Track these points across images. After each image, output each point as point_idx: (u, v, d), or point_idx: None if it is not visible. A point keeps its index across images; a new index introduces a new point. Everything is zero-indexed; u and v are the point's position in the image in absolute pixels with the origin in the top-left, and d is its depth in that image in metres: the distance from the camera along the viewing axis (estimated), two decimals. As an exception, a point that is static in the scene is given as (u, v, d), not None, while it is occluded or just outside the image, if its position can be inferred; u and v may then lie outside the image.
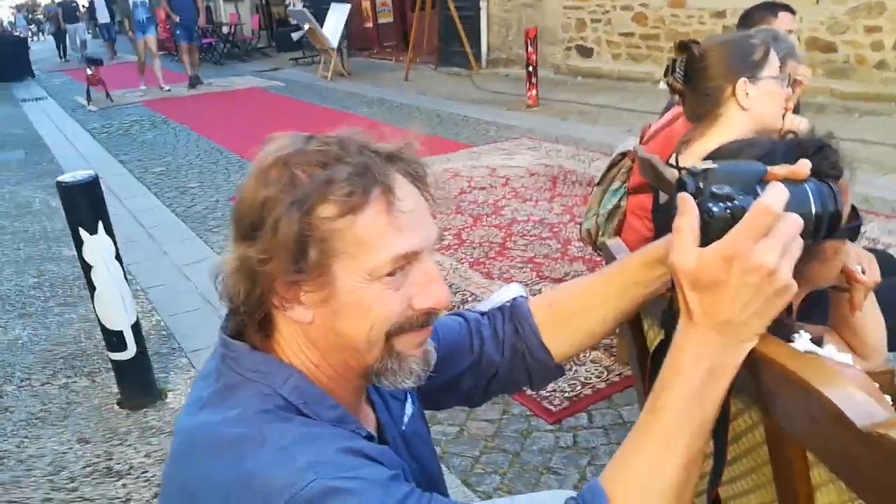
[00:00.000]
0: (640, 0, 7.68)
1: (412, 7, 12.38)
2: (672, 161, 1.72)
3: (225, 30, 14.74)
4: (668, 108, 2.82)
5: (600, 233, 2.38)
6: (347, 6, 10.85)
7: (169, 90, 10.04)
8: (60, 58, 17.15)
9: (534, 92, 7.18)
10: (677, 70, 1.71)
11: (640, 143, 2.36)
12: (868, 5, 5.79)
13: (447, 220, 4.00)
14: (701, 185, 0.73)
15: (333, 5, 11.09)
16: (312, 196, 0.71)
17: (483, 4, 9.78)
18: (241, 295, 0.74)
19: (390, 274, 0.73)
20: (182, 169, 5.77)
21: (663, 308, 0.93)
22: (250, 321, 0.76)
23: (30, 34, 23.43)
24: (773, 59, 1.62)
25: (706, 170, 0.73)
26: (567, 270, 3.21)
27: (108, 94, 9.68)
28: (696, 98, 1.70)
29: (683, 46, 1.70)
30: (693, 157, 1.63)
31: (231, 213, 0.76)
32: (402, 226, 0.74)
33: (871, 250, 2.15)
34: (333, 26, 10.58)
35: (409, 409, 0.95)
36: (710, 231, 0.69)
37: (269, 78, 11.26)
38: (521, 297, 1.04)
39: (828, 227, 0.74)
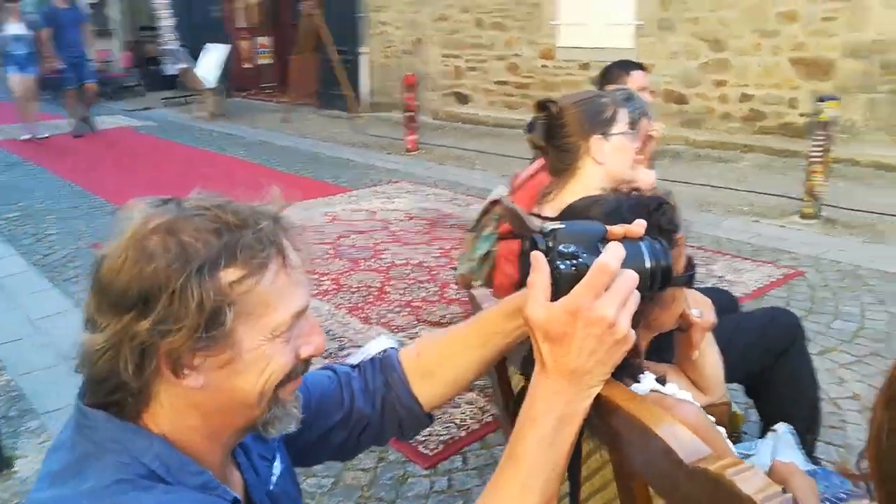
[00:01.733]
0: (513, 51, 8.06)
1: (292, 50, 12.40)
2: (534, 212, 1.81)
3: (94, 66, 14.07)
4: (536, 157, 2.97)
5: (474, 278, 2.44)
6: (226, 47, 10.67)
7: (46, 137, 8.55)
8: None
9: (413, 136, 7.32)
10: (538, 128, 1.81)
11: (510, 192, 2.46)
12: (716, 61, 6.37)
13: (325, 264, 3.97)
14: (550, 243, 0.77)
15: (209, 46, 10.87)
16: (216, 262, 0.71)
17: (364, 50, 9.91)
18: (129, 370, 0.70)
19: (288, 329, 0.76)
20: (40, 214, 5.39)
21: (524, 355, 0.97)
22: (128, 393, 0.73)
23: None
24: (623, 116, 1.75)
25: (554, 230, 0.78)
26: (444, 313, 3.26)
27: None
28: (556, 154, 1.80)
29: (542, 106, 1.81)
30: (554, 209, 1.72)
31: (96, 285, 0.72)
32: (296, 282, 0.77)
33: (710, 289, 2.34)
34: (210, 66, 10.36)
35: (277, 468, 0.94)
36: (559, 287, 0.74)
37: (141, 118, 10.81)
38: (392, 348, 1.06)
39: (662, 279, 0.81)
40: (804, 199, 4.29)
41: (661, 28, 6.68)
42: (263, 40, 12.88)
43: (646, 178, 1.93)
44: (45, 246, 4.59)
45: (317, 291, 3.56)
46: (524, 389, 0.93)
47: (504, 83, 8.26)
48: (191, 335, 0.70)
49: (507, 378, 1.23)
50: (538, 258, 0.77)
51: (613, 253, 0.73)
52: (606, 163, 1.76)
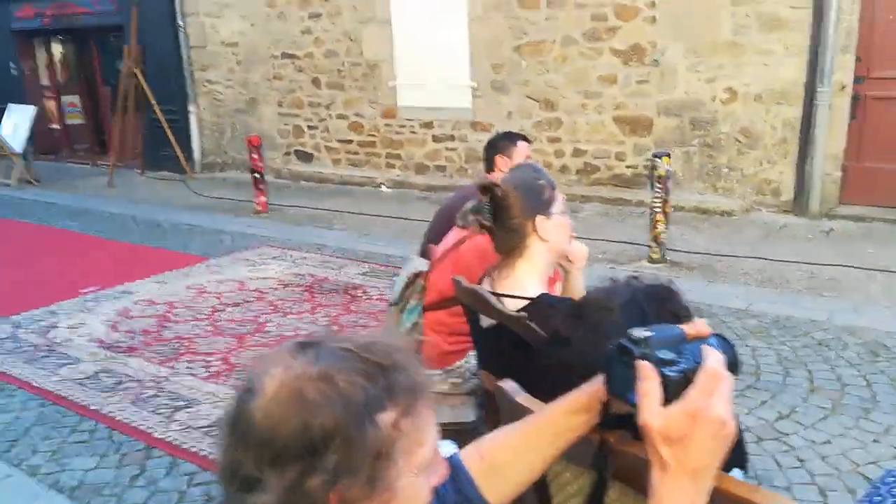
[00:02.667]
0: (354, 110, 8.20)
1: (112, 109, 11.62)
2: (487, 290, 1.89)
3: None
4: (439, 219, 3.07)
5: (402, 350, 2.48)
6: (32, 108, 9.76)
7: None
8: None
9: (262, 198, 7.16)
10: (484, 210, 1.92)
11: (431, 264, 2.54)
12: (549, 120, 6.93)
13: (207, 343, 3.77)
14: (645, 351, 0.86)
15: (12, 107, 9.91)
16: (378, 406, 0.73)
17: (192, 108, 9.55)
18: None
19: (430, 462, 0.79)
20: None
21: (593, 451, 1.05)
22: None
23: None
24: (559, 195, 1.90)
25: (646, 338, 0.87)
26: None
27: None
28: (504, 234, 1.91)
29: (486, 189, 1.92)
30: (510, 288, 1.83)
31: (251, 439, 0.71)
32: (433, 415, 0.79)
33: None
34: (15, 130, 9.43)
35: None
36: (669, 393, 0.83)
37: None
38: (454, 453, 1.09)
39: (732, 369, 0.94)
40: (650, 245, 4.79)
41: (495, 90, 7.17)
42: (72, 99, 11.96)
43: (579, 250, 2.09)
44: None
45: (207, 374, 3.38)
46: (600, 484, 1.02)
47: (348, 141, 8.35)
48: (359, 482, 0.72)
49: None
50: (646, 367, 0.85)
51: (716, 358, 0.84)
52: (550, 240, 1.88)
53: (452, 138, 7.59)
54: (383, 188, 7.97)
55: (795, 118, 5.67)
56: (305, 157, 8.78)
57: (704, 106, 6.08)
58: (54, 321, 4.21)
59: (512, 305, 1.76)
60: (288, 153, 8.89)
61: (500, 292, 1.83)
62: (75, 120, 12.01)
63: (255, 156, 7.06)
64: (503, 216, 1.92)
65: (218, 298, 4.52)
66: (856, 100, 5.49)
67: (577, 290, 2.04)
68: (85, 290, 4.76)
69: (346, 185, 8.26)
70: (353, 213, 7.01)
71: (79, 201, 8.27)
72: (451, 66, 7.39)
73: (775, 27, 5.58)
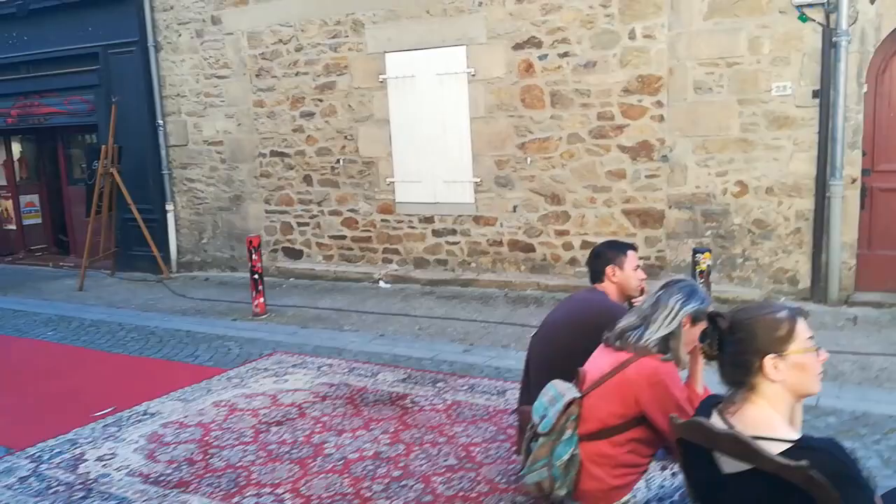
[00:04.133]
0: (348, 206, 8.06)
1: (62, 208, 11.14)
2: (720, 424, 1.72)
3: None
4: (555, 332, 2.87)
5: (556, 485, 2.26)
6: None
7: None
8: None
9: (261, 299, 6.83)
10: (711, 339, 1.77)
11: (582, 389, 2.36)
12: (555, 213, 6.95)
13: (266, 472, 3.41)
14: None
15: (-30, 208, 9.36)
16: None
17: (170, 207, 9.23)
18: None
19: None
20: None
21: None
22: None
23: None
24: (802, 330, 1.75)
25: None
26: (453, 513, 2.95)
27: None
28: (729, 367, 1.77)
29: (711, 318, 1.79)
30: (741, 423, 1.67)
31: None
32: None
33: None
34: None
35: None
36: None
37: None
38: None
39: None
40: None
41: (499, 185, 7.18)
42: (31, 198, 11.43)
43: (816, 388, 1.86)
44: None
45: (284, 510, 3.02)
46: None
47: (341, 237, 8.16)
48: None
49: None
50: None
51: None
52: (784, 380, 1.71)
53: (454, 232, 7.51)
54: (381, 283, 7.76)
55: (808, 209, 5.83)
56: (294, 253, 8.52)
57: (716, 199, 6.21)
58: (78, 452, 3.76)
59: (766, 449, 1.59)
60: (275, 250, 8.62)
61: (745, 433, 1.65)
62: (33, 220, 11.44)
63: (256, 256, 6.78)
64: (729, 349, 1.77)
65: (255, 417, 4.16)
66: (864, 191, 5.71)
67: (797, 421, 1.86)
68: (99, 414, 4.32)
69: (340, 282, 8.01)
70: (358, 311, 6.76)
71: (51, 307, 7.72)
72: (452, 162, 7.40)
73: (784, 124, 5.81)
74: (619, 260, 2.94)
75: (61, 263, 10.37)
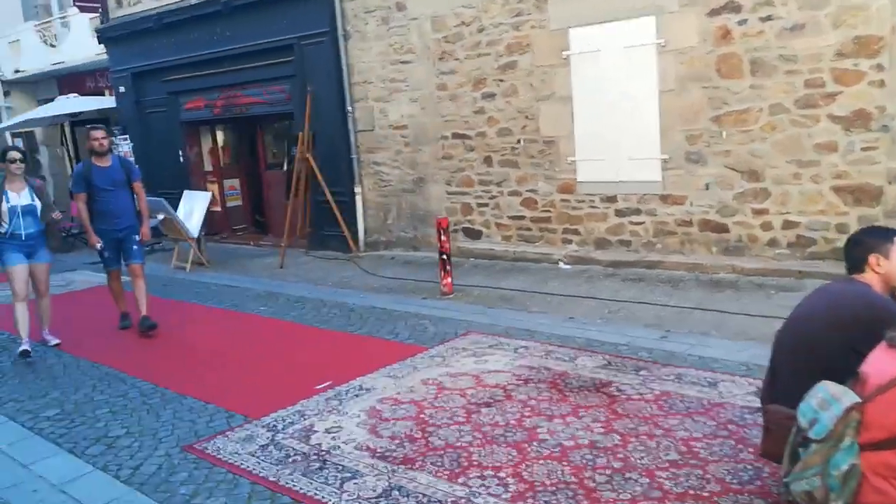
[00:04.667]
0: (527, 186, 8.07)
1: (259, 190, 12.11)
2: None
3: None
4: (810, 328, 2.65)
5: (832, 496, 2.13)
6: (207, 194, 10.27)
7: (58, 344, 6.19)
8: None
9: (448, 279, 7.05)
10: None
11: (863, 393, 2.20)
12: (753, 191, 6.53)
13: (485, 453, 3.53)
14: None
15: (188, 193, 10.45)
16: None
17: (358, 189, 9.73)
18: None
19: None
20: (84, 409, 4.67)
21: None
22: None
23: None
24: None
25: None
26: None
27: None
28: None
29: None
30: None
31: None
32: None
33: None
34: (190, 214, 9.87)
35: None
36: None
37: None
38: None
39: None
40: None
41: (690, 161, 6.85)
42: (232, 182, 12.54)
43: None
44: (125, 454, 3.91)
45: (510, 495, 3.11)
46: None
47: (520, 217, 8.21)
48: None
49: None
50: None
51: None
52: None
53: (638, 212, 7.29)
54: (561, 264, 7.72)
55: None
56: (474, 234, 8.69)
57: (950, 172, 5.54)
58: (308, 424, 4.10)
59: None
60: (455, 230, 8.83)
61: None
62: (235, 202, 12.56)
63: (444, 238, 6.99)
64: None
65: (463, 397, 4.31)
66: None
67: None
68: (320, 387, 4.68)
69: (519, 262, 8.08)
70: (542, 293, 6.77)
71: (258, 283, 8.45)
72: (638, 138, 7.16)
73: None
74: (885, 248, 2.65)
75: (261, 242, 11.32)
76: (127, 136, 11.88)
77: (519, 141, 8.01)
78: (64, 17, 14.95)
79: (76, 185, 6.36)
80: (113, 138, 12.02)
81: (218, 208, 12.29)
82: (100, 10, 12.51)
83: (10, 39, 16.43)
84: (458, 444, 3.67)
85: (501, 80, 8.01)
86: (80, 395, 4.93)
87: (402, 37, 8.83)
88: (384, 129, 9.34)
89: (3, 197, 5.74)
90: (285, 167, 11.19)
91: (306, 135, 9.34)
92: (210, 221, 12.28)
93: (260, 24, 10.04)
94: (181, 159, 12.05)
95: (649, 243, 7.28)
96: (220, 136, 12.60)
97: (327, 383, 4.74)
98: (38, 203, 5.92)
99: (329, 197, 9.34)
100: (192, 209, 9.96)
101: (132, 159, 11.94)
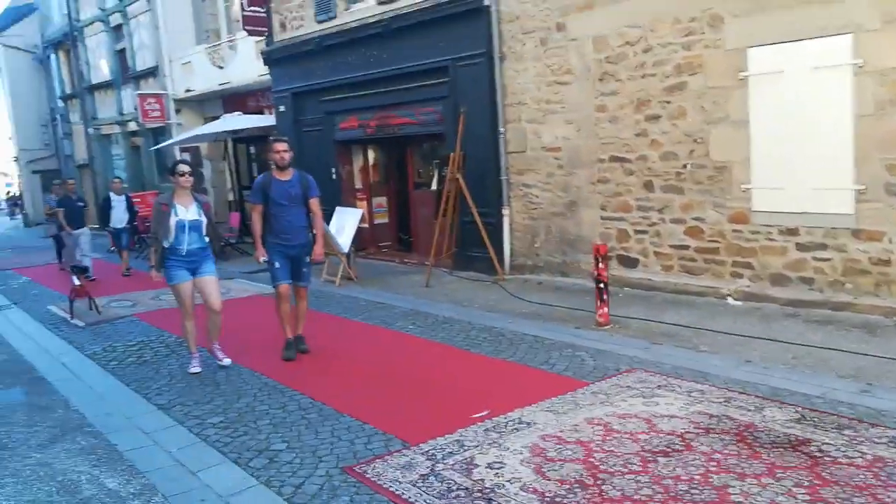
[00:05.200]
0: (693, 214, 7.53)
1: (407, 208, 12.22)
2: None
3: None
4: None
5: None
6: (359, 211, 10.48)
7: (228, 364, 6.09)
8: (58, 262, 13.65)
9: (605, 309, 6.66)
10: None
11: None
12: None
13: (670, 510, 3.15)
14: None
15: (339, 209, 10.71)
16: None
17: (506, 211, 9.55)
18: None
19: None
20: (246, 418, 4.73)
21: None
22: None
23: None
24: None
25: None
26: None
27: (93, 305, 8.60)
28: None
29: None
30: None
31: None
32: None
33: None
34: (341, 230, 10.09)
35: None
36: None
37: (266, 282, 10.42)
38: None
39: None
40: None
41: (891, 193, 6.09)
42: (380, 200, 12.78)
43: None
44: (287, 469, 3.87)
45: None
46: None
47: (683, 247, 7.67)
48: None
49: None
50: None
51: None
52: None
53: (824, 247, 6.57)
54: (730, 300, 7.11)
55: None
56: (629, 262, 8.23)
57: None
58: (468, 456, 3.89)
59: None
60: (609, 257, 8.40)
61: None
62: (381, 220, 12.78)
63: (602, 265, 6.63)
64: None
65: (635, 442, 3.94)
66: None
67: None
68: (477, 416, 4.47)
69: (680, 294, 7.54)
70: (710, 330, 6.23)
71: (405, 301, 8.43)
72: (825, 167, 6.47)
73: None
74: None
75: (405, 260, 11.40)
76: (285, 152, 12.40)
77: (685, 166, 7.51)
78: (232, 41, 15.97)
79: (254, 196, 6.13)
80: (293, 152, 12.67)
81: (365, 225, 12.54)
82: (266, 33, 13.23)
83: (184, 61, 17.78)
84: (638, 497, 3.31)
85: (668, 102, 7.56)
86: (242, 404, 5.01)
87: (561, 58, 8.60)
88: (536, 150, 9.11)
89: (172, 210, 5.65)
90: (433, 187, 11.23)
91: (457, 155, 9.29)
92: (358, 237, 12.60)
93: (416, 47, 10.16)
94: (333, 177, 12.42)
95: (837, 282, 6.53)
96: (370, 154, 12.89)
97: (484, 412, 4.52)
98: (203, 219, 5.81)
99: (477, 218, 9.23)
100: (344, 225, 10.18)
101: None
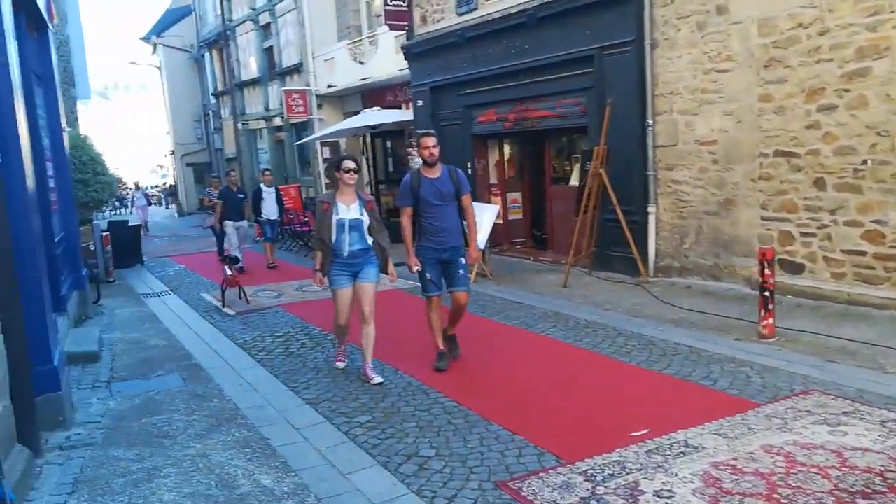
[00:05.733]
0: (872, 216, 6.73)
1: (541, 204, 11.88)
2: None
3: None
4: None
5: None
6: (496, 208, 10.30)
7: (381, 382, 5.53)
8: (220, 255, 13.45)
9: (770, 320, 6.07)
10: None
11: None
12: None
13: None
14: None
15: (475, 205, 10.47)
16: None
17: (651, 209, 9.02)
18: None
19: None
20: (393, 419, 4.65)
21: None
22: None
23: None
24: None
25: None
26: None
27: (243, 294, 8.96)
28: None
29: None
30: None
31: None
32: None
33: None
34: (479, 227, 9.89)
35: None
36: None
37: (400, 276, 10.47)
38: None
39: None
40: None
41: None
42: (515, 195, 12.53)
43: None
44: (438, 479, 3.73)
45: None
46: None
47: (859, 252, 6.88)
48: None
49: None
50: None
51: None
52: None
53: None
54: (921, 317, 6.29)
55: None
56: (794, 267, 7.50)
57: None
58: (632, 480, 3.57)
59: None
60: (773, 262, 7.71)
61: None
62: (515, 216, 12.53)
63: (768, 271, 6.05)
64: None
65: (826, 478, 3.46)
66: None
67: None
68: (636, 434, 4.14)
69: (854, 306, 6.77)
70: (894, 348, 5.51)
71: (542, 302, 8.15)
72: None
73: None
74: None
75: (540, 258, 11.10)
76: (422, 146, 12.45)
77: (865, 161, 6.72)
78: (372, 36, 16.25)
79: (402, 198, 5.66)
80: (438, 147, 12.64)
81: (500, 221, 12.33)
82: (406, 27, 13.30)
83: (326, 58, 18.33)
84: (841, 547, 2.88)
85: (846, 91, 6.78)
86: (387, 403, 4.95)
87: (721, 43, 7.95)
88: (688, 144, 8.52)
89: (333, 209, 5.34)
90: (574, 182, 10.83)
91: (602, 149, 8.87)
92: (492, 233, 12.43)
93: (561, 36, 9.81)
94: (469, 171, 12.30)
95: None
96: (506, 149, 12.67)
97: (644, 431, 4.18)
98: (365, 218, 5.39)
99: (620, 215, 8.78)
100: (480, 221, 9.94)
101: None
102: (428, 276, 5.63)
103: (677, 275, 8.80)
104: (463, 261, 5.67)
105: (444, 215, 5.59)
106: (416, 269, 5.61)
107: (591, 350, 6.12)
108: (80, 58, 12.81)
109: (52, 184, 7.86)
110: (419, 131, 6.05)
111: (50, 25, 8.06)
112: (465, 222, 5.78)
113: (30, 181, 4.93)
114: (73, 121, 15.34)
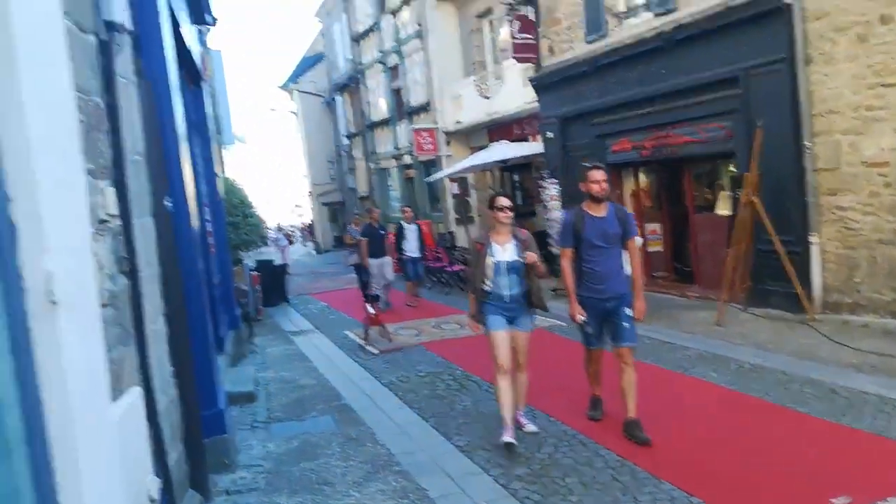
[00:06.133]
0: None
1: (683, 235, 11.28)
2: None
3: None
4: None
5: None
6: (639, 240, 9.85)
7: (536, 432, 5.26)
8: (363, 292, 13.24)
9: (974, 365, 5.32)
10: None
11: None
12: None
13: None
14: None
15: (615, 237, 10.15)
16: None
17: (814, 239, 8.30)
18: None
19: None
20: (552, 472, 4.42)
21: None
22: None
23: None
24: None
25: None
26: None
27: (384, 330, 9.04)
28: None
29: None
30: None
31: None
32: None
33: None
34: (619, 260, 9.53)
35: None
36: None
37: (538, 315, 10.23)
38: None
39: None
40: None
41: None
42: (654, 226, 12.00)
43: None
44: (611, 547, 3.46)
45: None
46: None
47: None
48: None
49: None
50: None
51: None
52: None
53: None
54: None
55: None
56: None
57: None
58: (840, 557, 3.15)
59: None
60: (961, 296, 6.85)
61: None
62: (655, 248, 11.99)
63: (971, 309, 5.31)
64: None
65: None
66: None
67: None
68: (836, 501, 3.67)
69: None
70: None
71: (695, 342, 7.64)
72: None
73: None
74: None
75: (686, 293, 10.50)
76: (556, 180, 12.25)
77: None
78: (498, 71, 16.33)
79: (564, 238, 5.12)
80: (555, 183, 12.24)
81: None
82: (535, 59, 13.24)
83: (453, 95, 18.63)
84: None
85: None
86: (543, 454, 4.73)
87: (887, 54, 7.26)
88: (854, 166, 7.79)
89: (488, 250, 4.90)
90: (723, 211, 10.22)
91: (753, 175, 8.30)
92: (629, 265, 11.94)
93: (701, 58, 9.35)
94: (603, 202, 11.92)
95: None
96: (641, 178, 12.21)
97: (846, 499, 3.70)
98: (522, 259, 4.90)
99: (778, 246, 8.13)
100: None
101: (557, 203, 12.36)
102: (588, 329, 5.17)
103: (849, 311, 8.00)
104: (629, 311, 4.99)
105: (608, 260, 5.02)
106: (579, 318, 5.09)
107: (761, 398, 5.60)
108: (225, 107, 13.71)
109: (209, 227, 8.33)
110: (586, 164, 5.41)
111: (204, 78, 8.64)
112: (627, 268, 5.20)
113: (195, 226, 5.18)
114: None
